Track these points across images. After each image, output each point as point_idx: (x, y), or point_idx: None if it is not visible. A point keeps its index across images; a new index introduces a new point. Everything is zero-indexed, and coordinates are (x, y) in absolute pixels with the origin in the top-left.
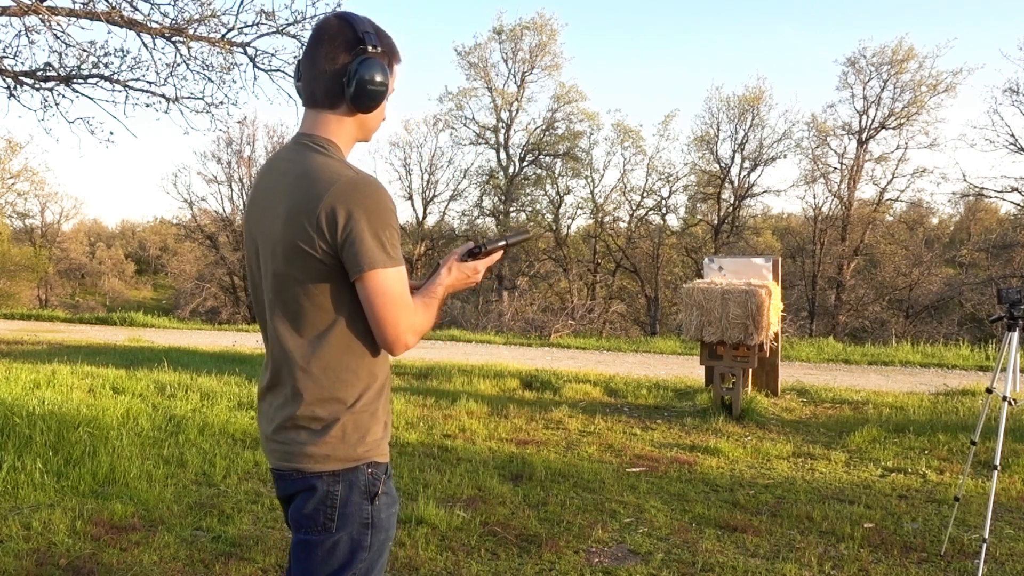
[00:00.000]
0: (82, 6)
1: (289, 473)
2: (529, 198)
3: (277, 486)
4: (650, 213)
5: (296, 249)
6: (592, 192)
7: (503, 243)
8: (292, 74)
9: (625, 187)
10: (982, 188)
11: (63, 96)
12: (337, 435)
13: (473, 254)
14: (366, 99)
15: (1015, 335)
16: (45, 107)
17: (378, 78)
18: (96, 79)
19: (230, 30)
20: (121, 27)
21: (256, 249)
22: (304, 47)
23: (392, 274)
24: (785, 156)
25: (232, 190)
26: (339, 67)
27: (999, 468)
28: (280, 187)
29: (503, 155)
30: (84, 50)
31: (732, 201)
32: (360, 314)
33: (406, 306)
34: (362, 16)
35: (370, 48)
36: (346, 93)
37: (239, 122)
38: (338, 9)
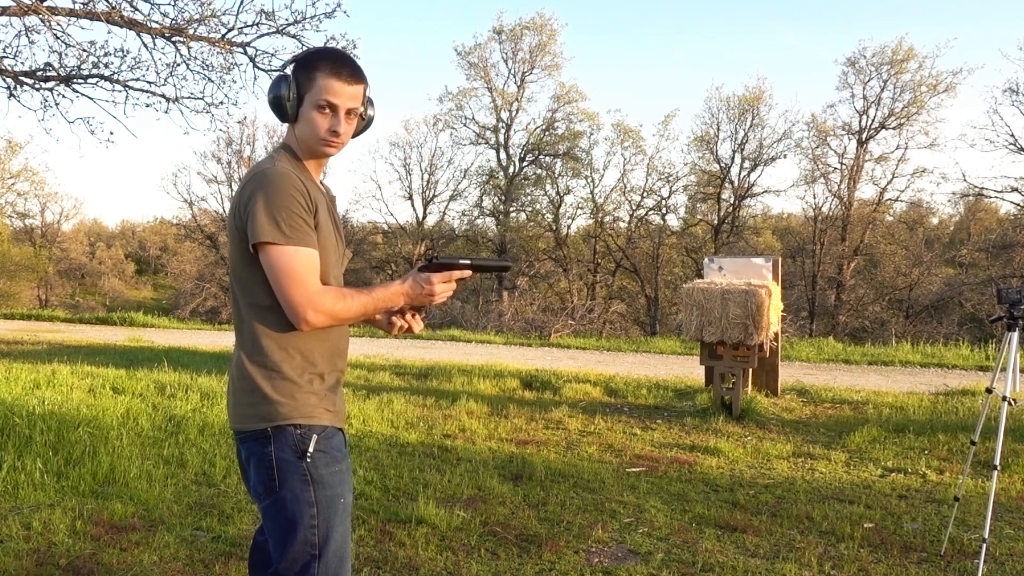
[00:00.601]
0: (82, 6)
1: (237, 434)
2: (529, 198)
3: (237, 452)
4: (650, 213)
5: (232, 232)
6: (592, 192)
7: (467, 262)
8: None
9: (625, 187)
10: (982, 188)
11: (63, 96)
12: (259, 396)
13: (429, 267)
14: (278, 112)
15: (1015, 335)
16: (45, 107)
17: (276, 93)
18: (96, 79)
19: (230, 30)
20: (121, 27)
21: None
22: None
23: (287, 251)
24: (785, 156)
25: (232, 190)
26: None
27: (999, 468)
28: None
29: (503, 155)
30: (84, 50)
31: (732, 201)
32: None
33: (304, 282)
34: (316, 48)
35: (284, 69)
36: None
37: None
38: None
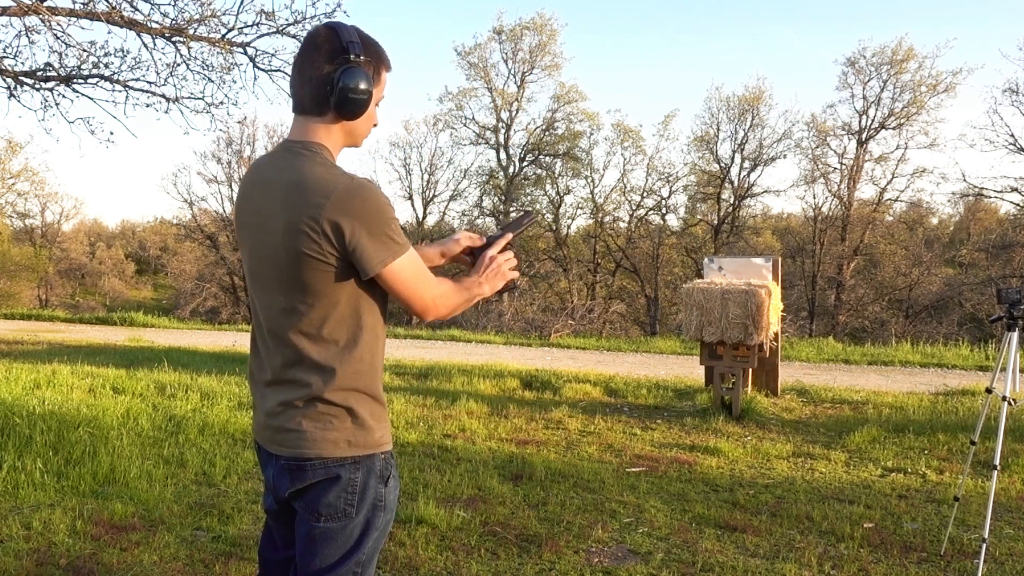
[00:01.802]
0: (82, 6)
1: (309, 462)
2: (529, 198)
3: (290, 477)
4: (650, 213)
5: (300, 256)
6: (592, 192)
7: (500, 232)
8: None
9: (625, 187)
10: (982, 188)
11: (63, 96)
12: (353, 423)
13: (472, 255)
14: (348, 106)
15: (1015, 335)
16: (45, 107)
17: (361, 86)
18: (96, 79)
19: (230, 30)
20: (121, 27)
21: (253, 254)
22: (296, 57)
23: (401, 262)
24: (785, 156)
25: (232, 190)
26: (324, 75)
27: (999, 468)
28: (273, 197)
29: (503, 155)
30: (84, 50)
31: (732, 201)
32: (362, 308)
33: (426, 281)
34: (350, 25)
35: (352, 57)
36: (330, 100)
37: (239, 122)
38: (328, 20)
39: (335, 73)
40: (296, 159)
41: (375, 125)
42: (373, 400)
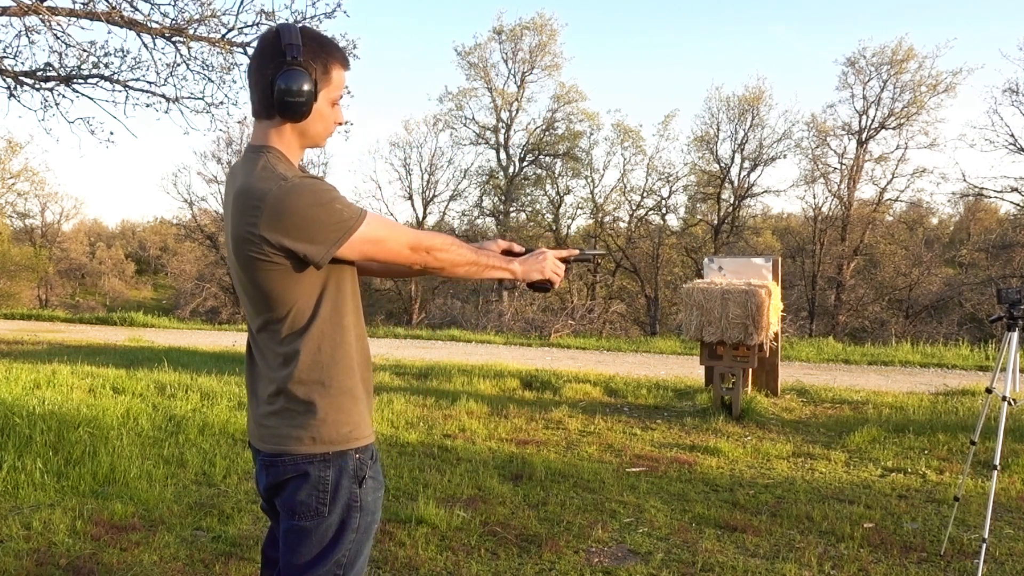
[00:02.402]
0: (82, 6)
1: (279, 457)
2: (529, 198)
3: (267, 473)
4: (650, 213)
5: (249, 260)
6: (592, 192)
7: (573, 249)
8: None
9: (625, 187)
10: (982, 188)
11: (63, 96)
12: (316, 416)
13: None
14: (290, 109)
15: (1015, 335)
16: (45, 107)
17: (300, 87)
18: (96, 79)
19: (230, 30)
20: (121, 27)
21: (229, 259)
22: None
23: (353, 238)
24: (785, 156)
25: None
26: (267, 78)
27: (999, 468)
28: (229, 204)
29: (503, 155)
30: (84, 50)
31: (732, 201)
32: (321, 300)
33: (400, 233)
34: (294, 26)
35: (289, 59)
36: (274, 105)
37: (239, 122)
38: (282, 22)
39: (274, 76)
40: (245, 165)
41: (341, 123)
42: (339, 394)
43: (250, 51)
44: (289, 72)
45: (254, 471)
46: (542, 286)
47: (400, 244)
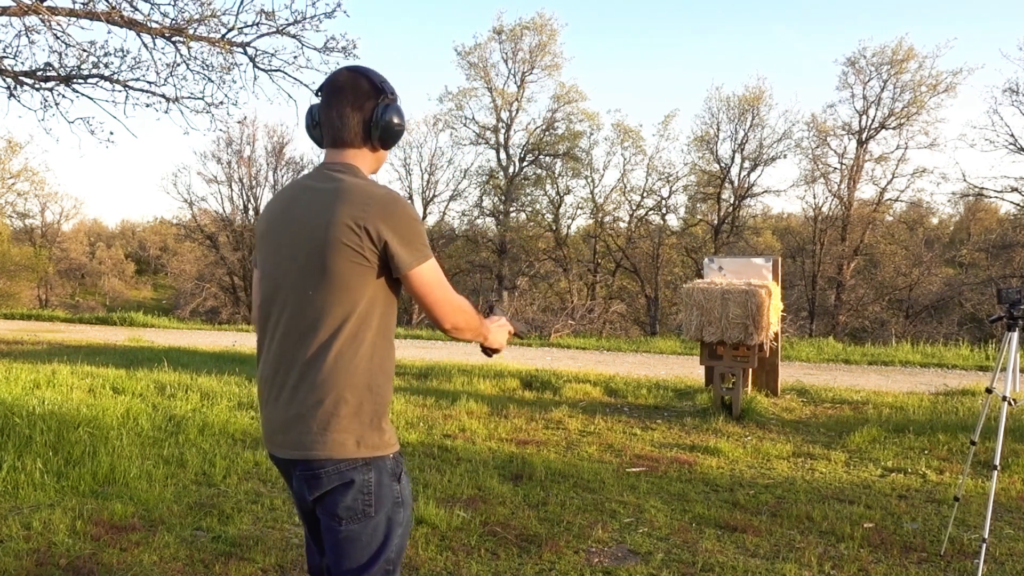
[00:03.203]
0: (82, 6)
1: (325, 466)
2: (529, 198)
3: (311, 483)
4: (650, 213)
5: (340, 246)
6: (592, 192)
7: (515, 323)
8: (292, 74)
9: (625, 187)
10: (982, 188)
11: (63, 96)
12: (367, 423)
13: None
14: (391, 138)
15: (1015, 335)
16: (45, 107)
17: (398, 119)
18: (96, 79)
19: (230, 30)
20: (121, 27)
21: (279, 255)
22: (323, 97)
23: (428, 266)
24: (785, 156)
25: (232, 190)
26: (367, 113)
27: (999, 468)
28: (316, 199)
29: (503, 155)
30: (84, 50)
31: (732, 201)
32: (379, 311)
33: (448, 290)
34: (370, 68)
35: (389, 96)
36: (373, 134)
37: (239, 122)
38: (351, 64)
39: (377, 110)
40: (338, 174)
41: None
42: (383, 402)
43: (250, 51)
44: (392, 106)
45: (292, 483)
46: (489, 349)
47: (447, 297)
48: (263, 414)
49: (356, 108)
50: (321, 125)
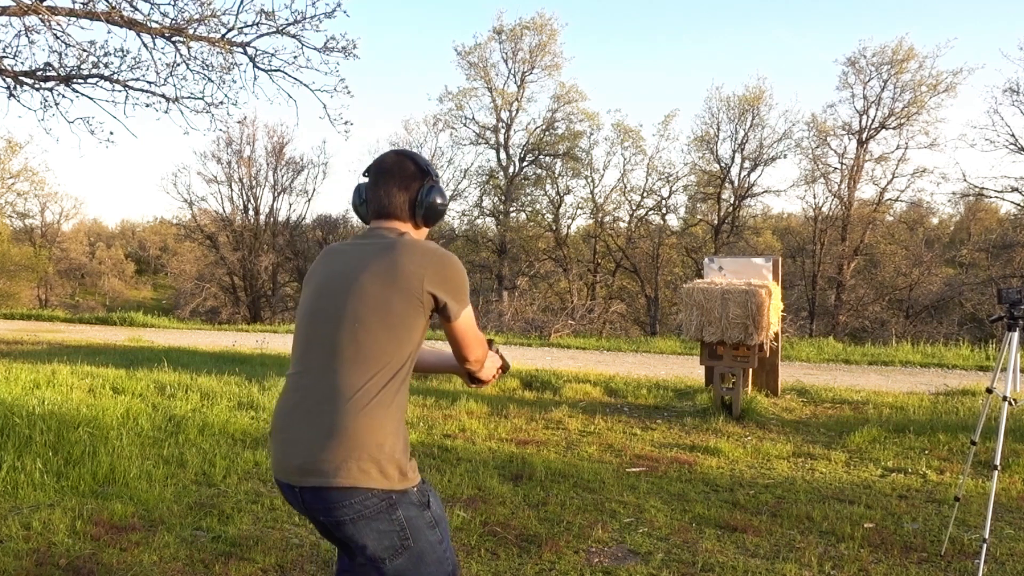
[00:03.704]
0: (82, 6)
1: (349, 497)
2: (529, 198)
3: (330, 511)
4: (650, 213)
5: (400, 298)
6: (592, 192)
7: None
8: (292, 74)
9: (625, 187)
10: (982, 188)
11: (63, 96)
12: (390, 456)
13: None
14: (434, 217)
15: (1015, 335)
16: (45, 107)
17: (440, 200)
18: (96, 79)
19: (230, 30)
20: (121, 27)
21: (330, 293)
22: (371, 178)
23: (467, 313)
24: (785, 156)
25: (232, 190)
26: (412, 194)
27: (999, 468)
28: (381, 251)
29: (503, 155)
30: (84, 50)
31: (732, 201)
32: (415, 352)
33: (477, 332)
34: (416, 152)
35: (433, 178)
36: (417, 213)
37: (239, 122)
38: (398, 148)
39: (422, 191)
40: (392, 234)
41: None
42: (404, 436)
43: (250, 51)
44: (435, 187)
45: (310, 514)
46: (476, 380)
47: (476, 336)
48: (282, 440)
49: (402, 188)
50: (367, 202)
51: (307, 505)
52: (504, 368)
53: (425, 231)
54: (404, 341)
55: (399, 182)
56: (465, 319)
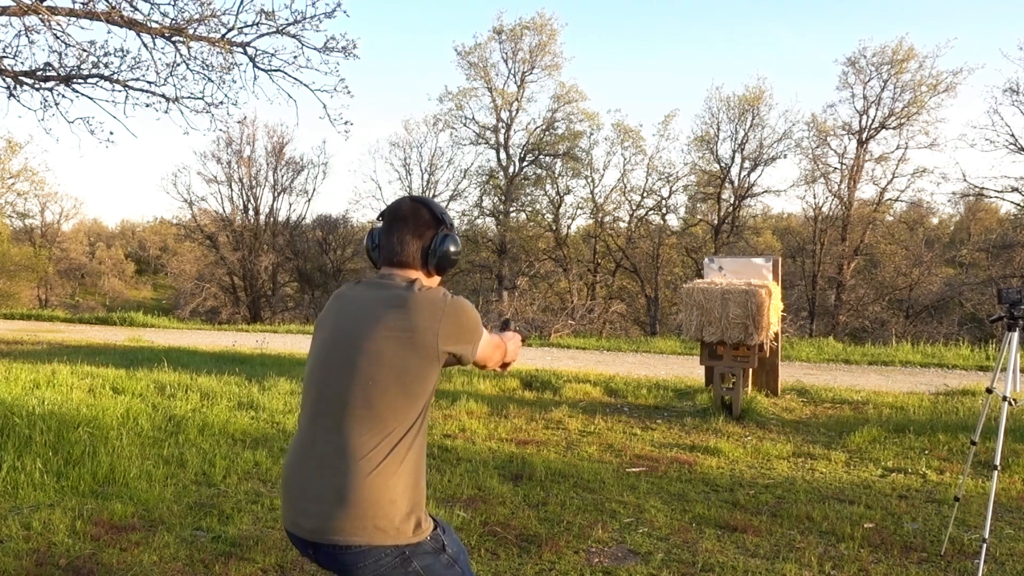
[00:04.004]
0: (82, 6)
1: (367, 556)
2: (529, 198)
3: (348, 573)
4: (650, 213)
5: (413, 358)
6: (592, 192)
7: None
8: (292, 73)
9: (625, 187)
10: (982, 188)
11: (63, 96)
12: (409, 510)
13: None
14: (447, 266)
15: (1015, 335)
16: (45, 107)
17: (454, 249)
18: (96, 79)
19: (230, 30)
20: (121, 27)
21: (342, 348)
22: (384, 224)
23: (482, 345)
24: (785, 156)
25: (232, 190)
26: (426, 242)
27: (999, 468)
28: (388, 305)
29: (503, 155)
30: (84, 50)
31: (732, 201)
32: (430, 402)
33: (494, 350)
34: (430, 199)
35: (448, 227)
36: (430, 262)
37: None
38: (414, 195)
39: (435, 239)
40: (405, 282)
41: None
42: (424, 488)
43: (250, 51)
44: (450, 236)
45: (324, 564)
46: (506, 365)
47: (494, 354)
48: (294, 498)
49: (416, 236)
50: (380, 248)
51: (321, 562)
52: (524, 338)
53: (437, 279)
54: (420, 396)
55: (413, 230)
56: (481, 352)
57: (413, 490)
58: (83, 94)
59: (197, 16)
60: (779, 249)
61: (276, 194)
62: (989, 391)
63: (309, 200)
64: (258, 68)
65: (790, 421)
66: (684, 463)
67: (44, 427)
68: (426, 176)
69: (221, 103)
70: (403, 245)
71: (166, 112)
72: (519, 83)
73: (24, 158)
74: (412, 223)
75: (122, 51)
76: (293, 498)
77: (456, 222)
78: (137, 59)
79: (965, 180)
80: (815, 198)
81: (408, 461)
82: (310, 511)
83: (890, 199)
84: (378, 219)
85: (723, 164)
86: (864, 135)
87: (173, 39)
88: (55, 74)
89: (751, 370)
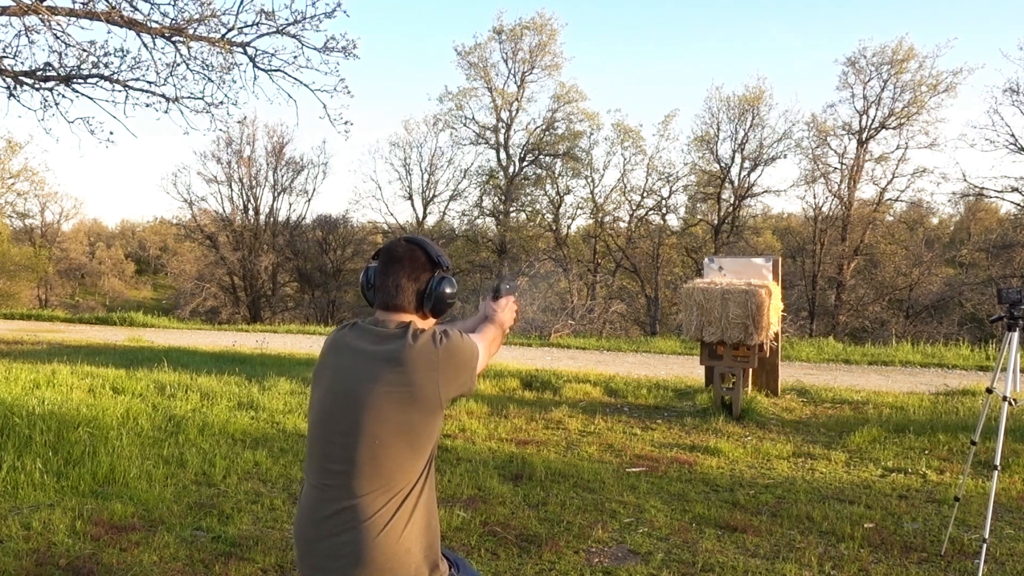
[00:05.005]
0: (82, 6)
1: None
2: (529, 198)
3: None
4: (650, 213)
5: (417, 413)
6: (592, 192)
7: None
8: (292, 74)
9: (625, 187)
10: (982, 188)
11: (63, 96)
12: (419, 560)
13: (498, 295)
14: (443, 309)
15: (1015, 335)
16: (45, 107)
17: (450, 291)
18: (96, 79)
19: (230, 30)
20: (121, 27)
21: (344, 404)
22: (380, 265)
23: (480, 361)
24: (785, 156)
25: (232, 190)
26: (421, 285)
27: (999, 468)
28: (386, 359)
29: (503, 155)
30: (84, 50)
31: (732, 201)
32: (435, 447)
33: (487, 347)
34: (426, 239)
35: (444, 269)
36: (425, 305)
37: (239, 122)
38: (410, 236)
39: (432, 282)
40: (400, 329)
41: None
42: (438, 535)
43: (250, 51)
44: (446, 279)
45: None
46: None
47: (490, 349)
48: (307, 554)
49: (412, 279)
50: (376, 289)
51: None
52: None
53: (432, 321)
54: (426, 447)
55: (409, 272)
56: (481, 366)
57: (426, 533)
58: (83, 94)
59: (197, 16)
60: (779, 249)
61: (276, 194)
62: (989, 391)
63: (309, 200)
64: (258, 68)
65: (790, 421)
66: (684, 463)
67: (44, 427)
68: (426, 176)
69: (221, 103)
70: (398, 289)
71: (166, 112)
72: (519, 83)
73: (24, 158)
74: (408, 266)
75: (122, 51)
76: (308, 556)
77: (456, 222)
78: (137, 59)
79: (965, 180)
80: (815, 198)
81: (418, 511)
82: (329, 567)
83: (890, 199)
84: (373, 258)
85: (723, 164)
86: (864, 135)
87: (173, 39)
88: (55, 74)
89: (751, 370)
